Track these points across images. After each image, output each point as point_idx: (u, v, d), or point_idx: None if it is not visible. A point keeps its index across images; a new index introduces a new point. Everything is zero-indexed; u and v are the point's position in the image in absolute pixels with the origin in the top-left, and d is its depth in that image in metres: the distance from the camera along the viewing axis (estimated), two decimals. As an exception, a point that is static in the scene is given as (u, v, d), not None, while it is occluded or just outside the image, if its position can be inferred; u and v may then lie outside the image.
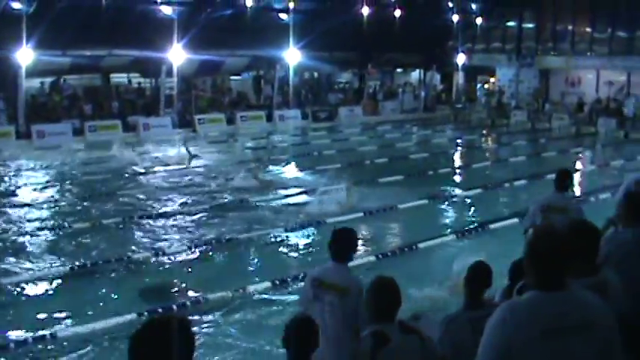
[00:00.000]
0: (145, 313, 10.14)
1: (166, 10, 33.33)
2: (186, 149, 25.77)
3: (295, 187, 20.63)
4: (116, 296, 11.69)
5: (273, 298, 11.50)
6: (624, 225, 6.42)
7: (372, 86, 45.23)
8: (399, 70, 49.71)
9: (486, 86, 46.25)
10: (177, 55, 32.32)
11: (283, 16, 38.25)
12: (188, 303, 11.04)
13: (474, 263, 5.54)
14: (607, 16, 39.83)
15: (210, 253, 14.12)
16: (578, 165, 26.03)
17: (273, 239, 15.14)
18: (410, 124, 38.65)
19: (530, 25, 44.41)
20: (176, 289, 12.14)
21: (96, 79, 37.08)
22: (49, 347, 9.68)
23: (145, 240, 15.00)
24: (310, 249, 14.53)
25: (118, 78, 38.35)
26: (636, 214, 6.34)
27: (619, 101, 36.64)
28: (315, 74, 46.33)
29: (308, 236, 15.42)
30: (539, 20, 43.67)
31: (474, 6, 45.02)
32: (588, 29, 40.98)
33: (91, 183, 21.34)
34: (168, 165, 24.57)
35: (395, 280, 4.56)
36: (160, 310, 10.48)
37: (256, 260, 13.81)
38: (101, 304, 11.24)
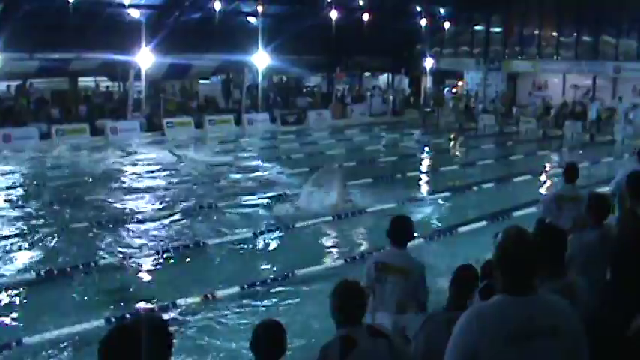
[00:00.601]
0: (113, 319, 10.10)
1: (134, 13, 33.10)
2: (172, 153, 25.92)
3: (264, 191, 20.63)
4: (84, 302, 11.60)
5: (243, 303, 11.48)
6: (589, 226, 6.52)
7: (341, 90, 45.34)
8: (367, 73, 49.83)
9: (454, 90, 46.55)
10: (145, 58, 32.12)
11: (252, 19, 38.15)
12: (156, 308, 10.98)
13: (461, 265, 5.61)
14: (573, 21, 40.37)
15: (180, 258, 14.04)
16: (545, 168, 26.30)
17: (242, 244, 15.10)
18: (378, 127, 38.71)
19: (498, 30, 44.78)
20: (145, 294, 12.07)
21: (63, 82, 36.74)
22: (14, 354, 9.58)
23: (113, 245, 14.88)
24: (279, 253, 14.54)
25: (86, 81, 38.07)
26: (599, 215, 6.45)
27: (584, 105, 37.12)
28: (284, 78, 46.35)
29: (277, 241, 15.41)
30: (507, 25, 44.05)
31: (442, 10, 45.21)
32: (554, 34, 41.46)
33: (59, 187, 21.15)
34: (138, 169, 24.46)
35: (359, 283, 4.57)
36: (127, 315, 10.43)
37: (225, 265, 13.75)
38: (68, 309, 11.13)
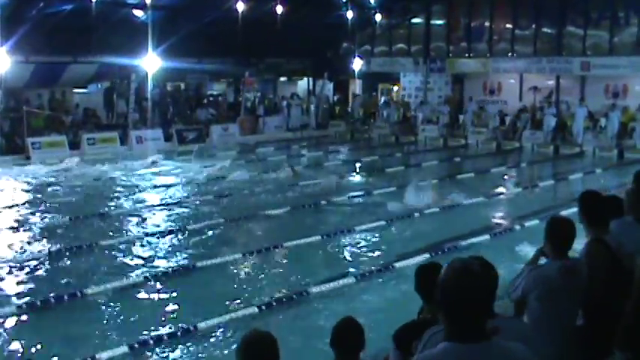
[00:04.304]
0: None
1: (-17, 3, 32.45)
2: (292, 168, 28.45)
3: (155, 226, 20.49)
4: None
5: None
6: (551, 257, 6.61)
7: (251, 99, 45.40)
8: (283, 78, 50.04)
9: (388, 96, 47.06)
10: (0, 61, 31.41)
11: (139, 13, 37.84)
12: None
13: (340, 322, 5.58)
14: (531, 10, 41.09)
15: (49, 313, 13.74)
16: (500, 187, 26.76)
17: (128, 291, 14.88)
18: (298, 144, 38.96)
19: (440, 22, 45.43)
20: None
21: None
22: None
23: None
24: (176, 301, 14.38)
25: None
26: (562, 244, 6.52)
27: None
28: (181, 85, 46.12)
29: (172, 286, 15.23)
30: (451, 16, 44.72)
31: (372, 0, 45.50)
32: (509, 26, 42.22)
33: None
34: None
35: (271, 335, 4.56)
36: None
37: (108, 320, 13.49)
38: None
